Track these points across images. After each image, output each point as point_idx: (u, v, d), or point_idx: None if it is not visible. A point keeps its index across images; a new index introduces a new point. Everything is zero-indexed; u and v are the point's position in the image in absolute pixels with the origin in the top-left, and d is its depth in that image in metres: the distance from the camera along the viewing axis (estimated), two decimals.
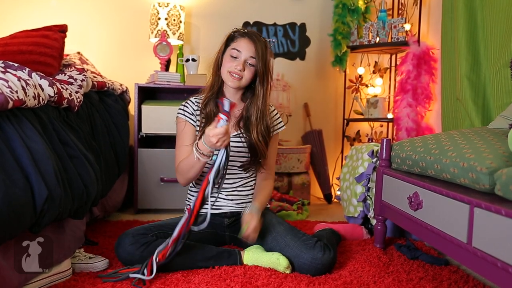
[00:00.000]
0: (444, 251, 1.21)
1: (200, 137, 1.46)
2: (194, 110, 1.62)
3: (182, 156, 1.53)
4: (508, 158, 1.08)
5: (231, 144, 1.53)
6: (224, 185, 1.60)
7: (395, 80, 2.89)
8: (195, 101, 1.65)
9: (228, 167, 1.52)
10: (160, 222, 1.56)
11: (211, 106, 1.59)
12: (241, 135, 1.62)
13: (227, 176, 1.56)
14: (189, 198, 1.70)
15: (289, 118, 3.01)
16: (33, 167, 1.08)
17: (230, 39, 1.60)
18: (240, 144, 1.60)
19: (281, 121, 1.72)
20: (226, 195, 1.64)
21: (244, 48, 1.54)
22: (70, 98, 1.50)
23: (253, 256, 1.47)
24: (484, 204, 0.99)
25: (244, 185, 1.66)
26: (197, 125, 1.61)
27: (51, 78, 1.42)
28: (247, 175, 1.66)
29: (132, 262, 1.38)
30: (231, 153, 1.50)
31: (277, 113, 1.72)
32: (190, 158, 1.42)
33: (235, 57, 1.55)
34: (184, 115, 1.61)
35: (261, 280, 1.32)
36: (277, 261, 1.40)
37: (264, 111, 1.60)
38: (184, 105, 1.64)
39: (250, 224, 1.44)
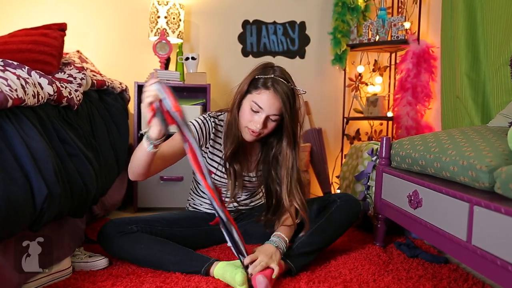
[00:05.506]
0: (443, 249, 1.21)
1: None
2: (207, 133, 1.48)
3: (164, 145, 1.39)
4: (507, 156, 1.08)
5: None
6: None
7: (394, 78, 2.89)
8: (214, 121, 1.49)
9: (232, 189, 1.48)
10: (146, 216, 1.51)
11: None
12: (254, 176, 1.58)
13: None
14: (192, 198, 1.70)
15: None
16: (33, 166, 1.08)
17: (252, 85, 1.36)
18: (250, 180, 1.59)
19: None
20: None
21: (266, 106, 1.32)
22: (69, 97, 1.50)
23: (221, 269, 1.30)
24: (483, 202, 0.99)
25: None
26: (203, 145, 1.49)
27: (50, 77, 1.42)
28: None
29: (112, 249, 1.40)
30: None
31: None
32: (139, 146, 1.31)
33: (255, 111, 1.34)
34: (196, 129, 1.44)
35: None
36: (234, 276, 1.21)
37: (297, 180, 1.40)
38: (204, 122, 1.47)
39: (256, 264, 1.22)
